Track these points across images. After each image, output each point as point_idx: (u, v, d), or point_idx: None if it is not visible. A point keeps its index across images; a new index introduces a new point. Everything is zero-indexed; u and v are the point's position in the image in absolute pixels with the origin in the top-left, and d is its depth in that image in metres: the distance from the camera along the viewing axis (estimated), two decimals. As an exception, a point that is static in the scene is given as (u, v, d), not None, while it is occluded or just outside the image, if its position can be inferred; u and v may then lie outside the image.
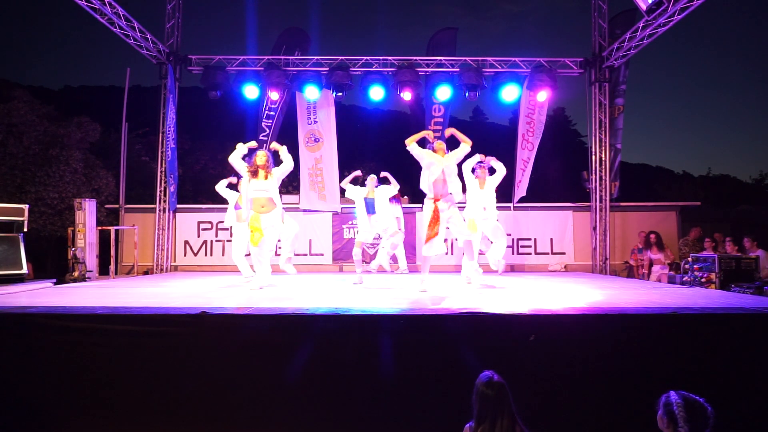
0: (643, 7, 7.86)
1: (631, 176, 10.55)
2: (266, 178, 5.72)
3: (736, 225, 12.62)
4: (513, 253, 9.95)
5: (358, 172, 7.68)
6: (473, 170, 6.49)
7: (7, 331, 3.69)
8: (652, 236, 8.97)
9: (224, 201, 7.24)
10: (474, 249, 6.20)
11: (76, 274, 7.79)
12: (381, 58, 9.90)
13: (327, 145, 10.06)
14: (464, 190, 6.24)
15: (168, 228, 9.83)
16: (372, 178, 7.23)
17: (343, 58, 9.84)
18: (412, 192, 9.78)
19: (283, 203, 10.16)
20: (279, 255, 6.61)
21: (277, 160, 5.99)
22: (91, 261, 8.30)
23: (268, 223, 5.71)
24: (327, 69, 9.73)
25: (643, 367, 3.56)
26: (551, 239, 9.98)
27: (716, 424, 2.13)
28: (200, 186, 17.80)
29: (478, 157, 6.42)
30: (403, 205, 9.30)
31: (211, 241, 9.99)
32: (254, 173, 5.72)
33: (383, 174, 7.60)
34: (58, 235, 12.38)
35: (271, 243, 5.93)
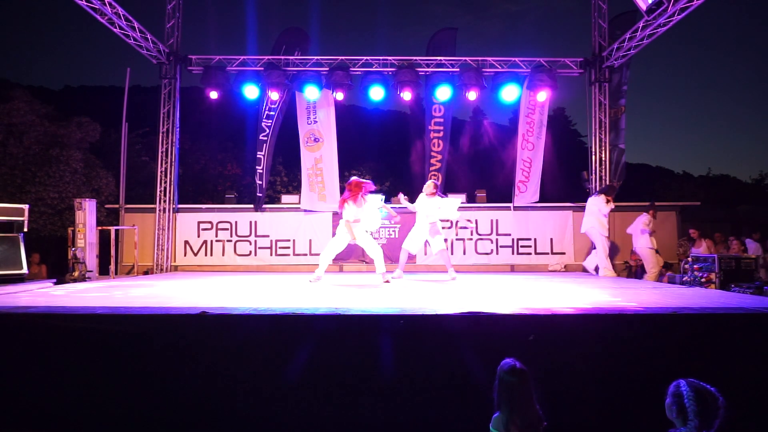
0: (643, 7, 7.86)
1: (631, 176, 10.53)
2: None
3: (736, 225, 12.62)
4: (513, 253, 9.95)
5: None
6: None
7: (7, 331, 3.69)
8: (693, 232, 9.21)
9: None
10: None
11: (76, 274, 7.78)
12: (381, 58, 9.90)
13: (327, 145, 10.06)
14: None
15: (168, 228, 9.83)
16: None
17: (343, 58, 9.84)
18: (406, 191, 9.75)
19: (283, 203, 10.32)
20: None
21: None
22: (91, 261, 8.29)
23: None
24: (327, 69, 9.73)
25: (642, 367, 3.55)
26: (551, 239, 9.98)
27: (727, 414, 2.04)
28: (200, 186, 17.77)
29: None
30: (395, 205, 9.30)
31: (211, 241, 9.98)
32: None
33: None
34: (58, 235, 12.37)
35: None
